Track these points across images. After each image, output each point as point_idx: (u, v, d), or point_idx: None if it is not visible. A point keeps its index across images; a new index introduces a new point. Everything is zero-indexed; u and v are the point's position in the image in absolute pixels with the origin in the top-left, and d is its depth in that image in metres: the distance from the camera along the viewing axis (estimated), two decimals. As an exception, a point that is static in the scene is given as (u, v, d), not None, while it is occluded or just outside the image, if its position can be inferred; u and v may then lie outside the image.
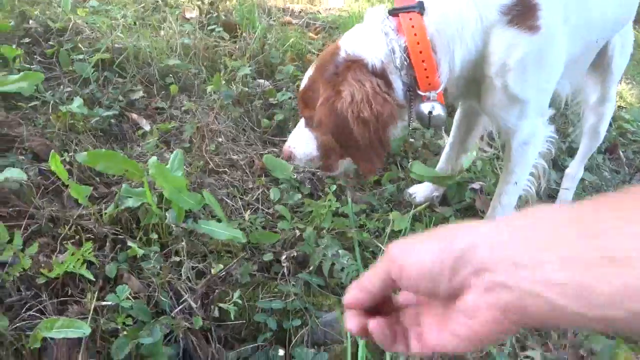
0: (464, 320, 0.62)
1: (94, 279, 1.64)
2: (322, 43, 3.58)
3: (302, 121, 2.03)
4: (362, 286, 0.74)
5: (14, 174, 1.78)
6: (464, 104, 2.37)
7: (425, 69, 1.83)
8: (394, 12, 1.86)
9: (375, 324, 0.73)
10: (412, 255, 0.66)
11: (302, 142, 2.01)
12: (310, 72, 1.94)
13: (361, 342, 1.66)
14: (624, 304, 0.51)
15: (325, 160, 2.01)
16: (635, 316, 0.51)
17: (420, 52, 1.82)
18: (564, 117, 3.50)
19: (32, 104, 2.40)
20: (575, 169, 2.83)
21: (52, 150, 1.75)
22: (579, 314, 0.54)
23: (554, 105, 2.25)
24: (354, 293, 0.75)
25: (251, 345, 1.73)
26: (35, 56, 2.74)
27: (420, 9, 1.82)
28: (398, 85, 1.86)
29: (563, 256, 0.55)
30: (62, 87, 2.51)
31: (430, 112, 1.91)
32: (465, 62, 1.87)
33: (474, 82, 1.97)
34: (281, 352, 1.72)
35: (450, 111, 2.31)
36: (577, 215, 0.58)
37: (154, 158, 1.83)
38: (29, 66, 2.62)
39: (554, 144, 2.24)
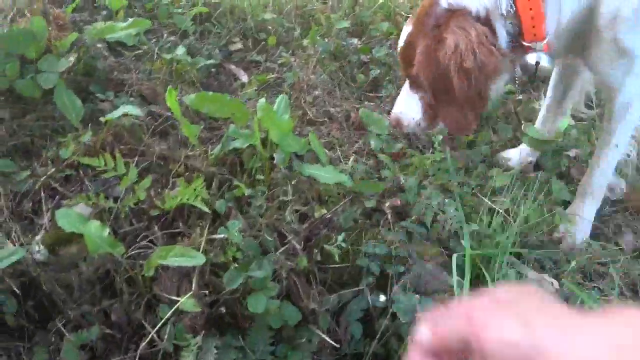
0: None
1: (208, 211, 1.68)
2: (409, 5, 3.52)
3: (406, 84, 1.97)
4: (438, 334, 0.64)
5: (130, 110, 1.84)
6: (563, 60, 2.27)
7: (532, 18, 1.76)
8: None
9: None
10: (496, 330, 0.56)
11: (408, 106, 1.95)
12: (408, 27, 1.87)
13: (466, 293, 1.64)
14: None
15: (432, 123, 1.96)
16: None
17: (529, 0, 1.75)
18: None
19: (137, 52, 2.48)
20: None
21: (169, 87, 1.79)
22: None
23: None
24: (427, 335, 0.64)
25: (352, 289, 1.73)
26: (135, 9, 2.82)
27: None
28: (502, 34, 1.80)
29: None
30: (164, 37, 2.56)
31: (537, 63, 1.84)
32: (575, 13, 1.79)
33: (579, 34, 1.88)
34: (382, 298, 1.71)
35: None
36: None
37: (262, 100, 1.84)
38: (131, 19, 2.70)
39: None
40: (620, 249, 2.16)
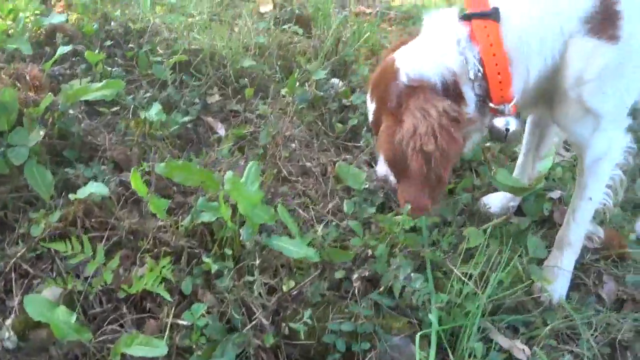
0: None
1: (170, 300, 1.69)
2: (398, 35, 3.50)
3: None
4: None
5: (98, 189, 1.86)
6: (535, 112, 2.25)
7: (500, 82, 1.75)
8: (466, 18, 1.77)
9: None
10: None
11: (380, 165, 2.00)
12: (372, 105, 1.88)
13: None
14: None
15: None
16: None
17: (496, 65, 1.73)
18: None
19: (114, 109, 2.49)
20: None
21: (133, 168, 1.80)
22: None
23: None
24: None
25: (319, 366, 1.74)
26: (116, 58, 2.83)
27: (496, 16, 1.73)
28: (470, 97, 1.79)
29: None
30: (141, 91, 2.57)
31: (507, 129, 1.82)
32: (541, 74, 1.79)
33: (545, 93, 1.87)
34: (349, 374, 1.72)
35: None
36: None
37: (230, 173, 1.84)
38: (110, 69, 2.71)
39: (632, 154, 2.10)
40: (600, 302, 2.14)
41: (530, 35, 1.73)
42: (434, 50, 1.78)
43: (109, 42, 2.87)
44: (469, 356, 1.75)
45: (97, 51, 2.70)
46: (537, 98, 1.91)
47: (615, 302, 2.19)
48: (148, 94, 2.53)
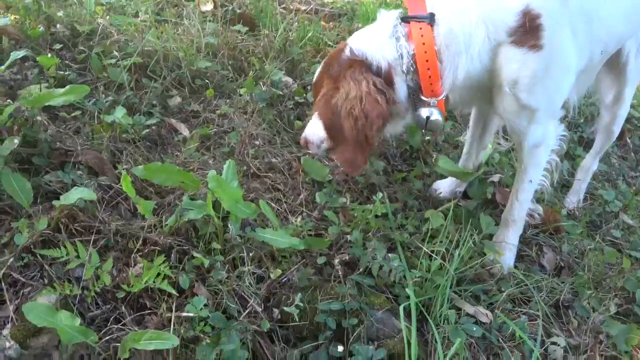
0: None
1: (175, 293, 1.77)
2: (336, 34, 3.67)
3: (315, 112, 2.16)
4: None
5: (84, 194, 1.89)
6: (475, 107, 2.52)
7: (430, 77, 1.99)
8: (406, 20, 2.01)
9: None
10: None
11: (315, 128, 2.13)
12: (319, 68, 2.15)
13: (413, 337, 1.83)
14: None
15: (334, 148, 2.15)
16: None
17: (427, 61, 1.97)
18: (575, 109, 3.64)
19: (75, 113, 2.49)
20: (589, 163, 3.00)
21: (123, 172, 1.85)
22: None
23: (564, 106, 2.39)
24: None
25: (313, 344, 1.89)
26: (67, 62, 2.80)
27: (431, 20, 1.97)
28: (402, 87, 2.04)
29: None
30: (101, 95, 2.58)
31: (428, 117, 2.07)
32: (470, 74, 2.02)
33: (483, 89, 2.11)
34: (340, 348, 1.88)
35: (447, 117, 2.53)
36: None
37: (213, 172, 1.94)
38: (63, 73, 2.69)
39: (565, 140, 2.40)
40: (543, 270, 2.44)
41: (459, 39, 1.96)
42: (377, 41, 2.03)
43: (58, 46, 2.84)
44: (443, 322, 1.97)
45: (48, 55, 2.67)
46: (474, 95, 2.16)
47: (555, 269, 2.51)
48: (109, 98, 2.54)
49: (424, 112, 2.06)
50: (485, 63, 2.00)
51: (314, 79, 2.18)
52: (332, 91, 2.01)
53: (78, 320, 1.65)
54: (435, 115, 2.05)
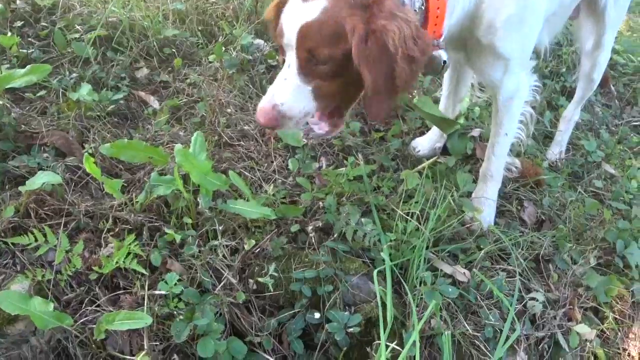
0: None
1: (145, 272, 1.77)
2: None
3: (291, 68, 1.73)
4: None
5: (50, 178, 1.86)
6: (451, 57, 2.44)
7: (437, 17, 1.87)
8: None
9: None
10: None
11: (293, 94, 1.73)
12: (320, 2, 1.64)
13: (389, 301, 1.83)
14: None
15: (325, 111, 1.83)
16: None
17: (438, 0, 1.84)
18: (557, 58, 3.57)
19: (40, 93, 2.43)
20: (571, 112, 2.96)
21: (85, 153, 1.82)
22: None
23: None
24: None
25: (289, 312, 1.90)
26: (30, 39, 2.73)
27: None
28: None
29: None
30: (66, 72, 2.52)
31: (444, 61, 1.94)
32: (460, 18, 1.96)
33: (462, 41, 2.07)
34: (317, 315, 1.89)
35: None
36: None
37: (179, 145, 1.91)
38: (25, 51, 2.62)
39: (539, 91, 2.37)
40: (523, 224, 2.43)
41: None
42: None
43: (18, 23, 2.76)
44: (420, 284, 1.97)
45: (8, 33, 2.60)
46: (455, 43, 2.10)
47: (535, 223, 2.50)
48: (74, 74, 2.48)
49: (439, 54, 1.92)
50: (471, 9, 1.95)
51: (308, 17, 1.64)
52: (380, 29, 1.61)
53: (52, 305, 1.65)
54: (444, 57, 1.94)
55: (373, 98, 1.72)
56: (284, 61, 1.80)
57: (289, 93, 1.72)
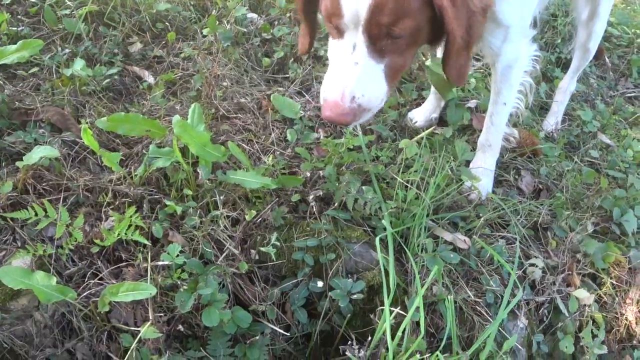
0: None
1: (148, 243, 1.76)
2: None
3: (359, 50, 1.59)
4: None
5: (47, 152, 1.84)
6: None
7: None
8: None
9: None
10: None
11: (372, 81, 1.62)
12: None
13: (391, 267, 1.85)
14: None
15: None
16: None
17: None
18: (552, 29, 3.56)
19: (32, 70, 2.40)
20: (567, 83, 2.96)
21: (83, 126, 1.80)
22: None
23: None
24: None
25: (292, 281, 1.91)
26: (19, 17, 2.68)
27: None
28: None
29: None
30: (58, 49, 2.49)
31: None
32: None
33: None
34: (320, 283, 1.90)
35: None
36: None
37: (177, 117, 1.89)
38: (15, 29, 2.58)
39: (538, 61, 2.35)
40: (521, 193, 2.44)
41: None
42: None
43: (7, 0, 2.71)
44: (421, 251, 1.98)
45: (-2, 10, 2.56)
46: None
47: (533, 192, 2.51)
48: (67, 51, 2.44)
49: None
50: None
51: None
52: None
53: (55, 279, 1.64)
54: None
55: (459, 58, 1.71)
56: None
57: (367, 81, 1.61)
